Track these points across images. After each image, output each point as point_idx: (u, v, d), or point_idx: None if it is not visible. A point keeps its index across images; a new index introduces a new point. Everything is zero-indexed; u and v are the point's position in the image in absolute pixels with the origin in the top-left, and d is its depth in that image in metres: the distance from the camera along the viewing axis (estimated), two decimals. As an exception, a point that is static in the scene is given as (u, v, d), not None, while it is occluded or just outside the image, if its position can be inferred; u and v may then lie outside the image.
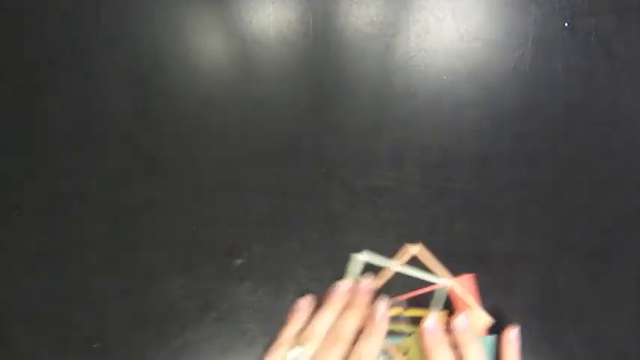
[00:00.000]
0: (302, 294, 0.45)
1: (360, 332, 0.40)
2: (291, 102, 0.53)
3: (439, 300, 0.44)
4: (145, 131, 0.52)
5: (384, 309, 0.41)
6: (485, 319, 0.45)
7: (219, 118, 0.53)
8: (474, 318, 0.44)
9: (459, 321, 0.43)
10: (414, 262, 0.43)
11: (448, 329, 0.43)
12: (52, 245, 0.53)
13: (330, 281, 0.43)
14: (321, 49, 0.53)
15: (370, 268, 0.43)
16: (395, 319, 0.45)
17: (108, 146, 0.53)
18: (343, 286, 0.43)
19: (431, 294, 0.45)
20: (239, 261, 0.52)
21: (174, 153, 0.53)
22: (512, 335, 0.44)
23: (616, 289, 0.53)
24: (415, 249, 0.43)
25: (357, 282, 0.43)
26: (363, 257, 0.42)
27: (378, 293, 0.42)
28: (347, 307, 0.41)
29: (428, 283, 0.44)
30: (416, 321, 0.44)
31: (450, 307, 0.46)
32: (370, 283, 0.43)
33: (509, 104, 0.53)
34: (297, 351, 0.38)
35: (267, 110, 0.53)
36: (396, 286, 0.43)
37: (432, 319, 0.43)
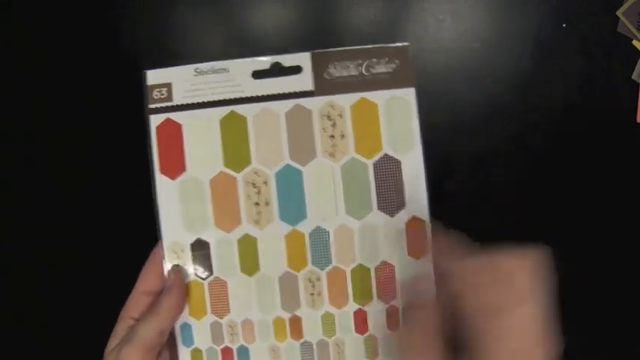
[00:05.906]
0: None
1: None
2: (291, 102, 0.53)
3: None
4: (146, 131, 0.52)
5: None
6: None
7: (219, 118, 0.53)
8: None
9: None
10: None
11: None
12: (52, 246, 0.53)
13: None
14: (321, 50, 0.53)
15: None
16: None
17: (108, 146, 0.53)
18: None
19: None
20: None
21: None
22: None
23: (616, 289, 0.53)
24: None
25: None
26: None
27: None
28: None
29: None
30: None
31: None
32: None
33: (509, 104, 0.53)
34: None
35: (267, 110, 0.53)
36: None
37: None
